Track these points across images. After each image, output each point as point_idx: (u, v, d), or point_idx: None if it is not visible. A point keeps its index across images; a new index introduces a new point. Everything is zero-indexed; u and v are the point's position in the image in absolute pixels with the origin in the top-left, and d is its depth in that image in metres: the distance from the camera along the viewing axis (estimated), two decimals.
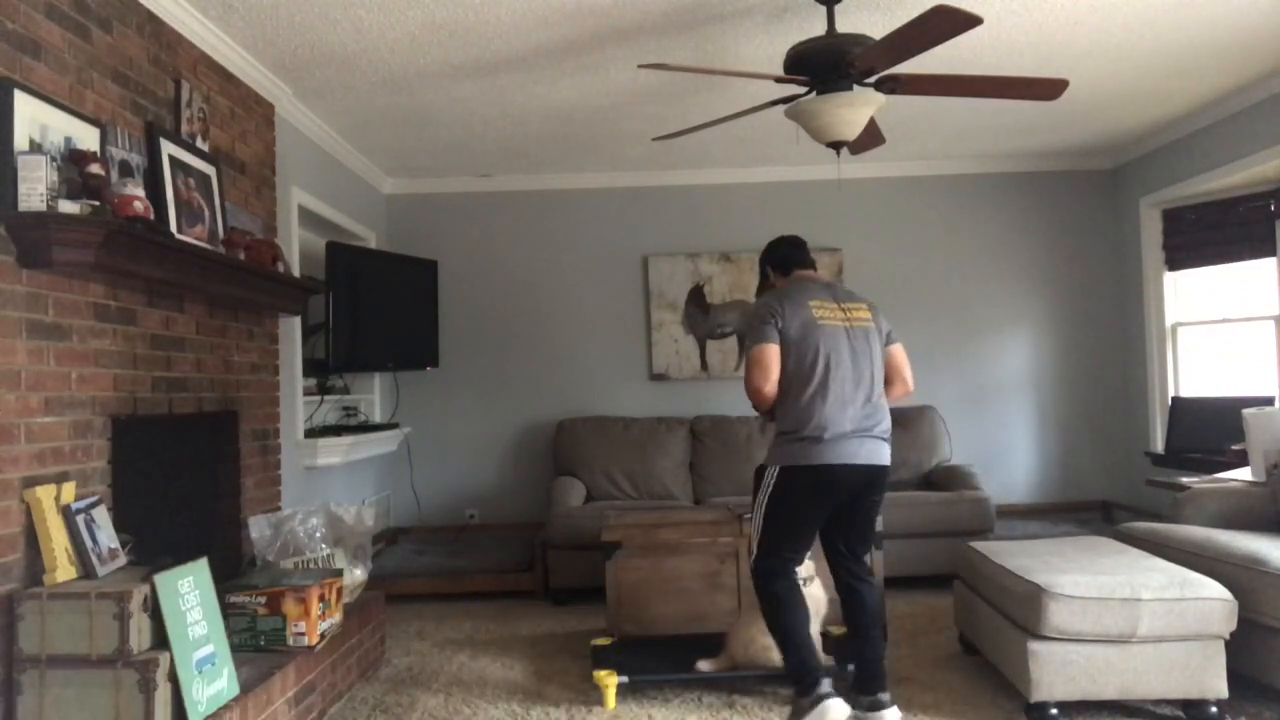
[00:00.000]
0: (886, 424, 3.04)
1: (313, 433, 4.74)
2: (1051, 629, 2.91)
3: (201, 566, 2.70)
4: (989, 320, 6.25)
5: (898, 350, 3.15)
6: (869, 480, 2.99)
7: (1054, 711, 2.94)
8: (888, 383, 3.11)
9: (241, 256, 3.42)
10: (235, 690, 2.64)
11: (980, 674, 3.48)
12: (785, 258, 3.26)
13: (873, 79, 3.31)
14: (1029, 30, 3.85)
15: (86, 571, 2.53)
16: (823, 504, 3.00)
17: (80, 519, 2.55)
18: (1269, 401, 4.95)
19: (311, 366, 4.89)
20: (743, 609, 3.09)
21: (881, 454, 3.00)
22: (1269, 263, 5.10)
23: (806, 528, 3.04)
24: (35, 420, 2.52)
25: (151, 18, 3.21)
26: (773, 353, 2.95)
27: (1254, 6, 3.71)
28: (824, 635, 3.64)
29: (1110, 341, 6.24)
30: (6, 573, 2.40)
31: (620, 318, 6.25)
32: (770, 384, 2.96)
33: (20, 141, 2.46)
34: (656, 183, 6.24)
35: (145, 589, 2.44)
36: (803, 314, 2.99)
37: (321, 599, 3.13)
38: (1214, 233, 5.46)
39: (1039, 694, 2.93)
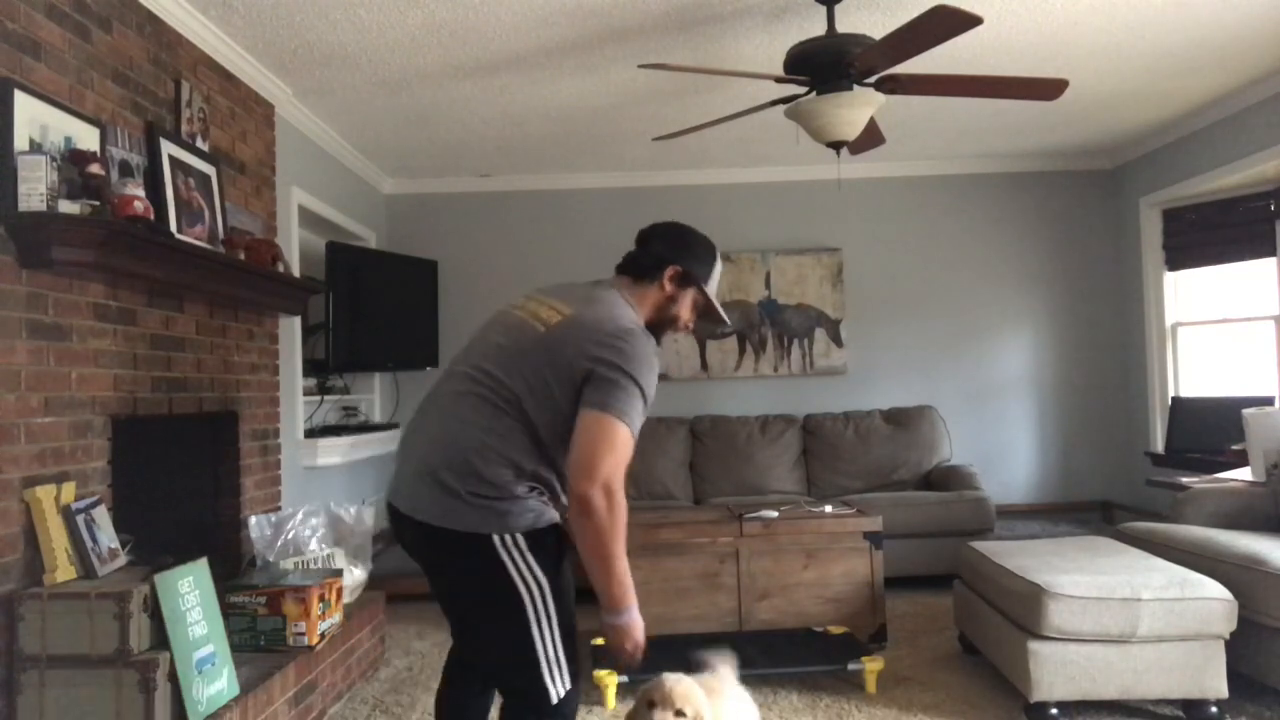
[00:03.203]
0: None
1: (313, 433, 4.74)
2: (1051, 629, 2.91)
3: (201, 566, 2.70)
4: (989, 320, 6.25)
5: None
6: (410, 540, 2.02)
7: (1054, 711, 2.94)
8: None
9: (241, 256, 3.42)
10: (235, 690, 2.64)
11: (980, 674, 3.48)
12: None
13: (873, 79, 3.31)
14: (1029, 30, 3.85)
15: (86, 571, 2.53)
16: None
17: (80, 519, 2.55)
18: (1269, 401, 4.95)
19: (311, 366, 4.89)
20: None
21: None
22: (1269, 263, 5.10)
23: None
24: (35, 420, 2.52)
25: (151, 18, 3.21)
26: None
27: (1254, 6, 3.71)
28: (823, 634, 3.64)
29: (1110, 341, 6.24)
30: (6, 573, 2.40)
31: None
32: None
33: (20, 141, 2.46)
34: (656, 183, 6.24)
35: (145, 589, 2.44)
36: None
37: (321, 599, 3.13)
38: (1214, 233, 5.46)
39: (1039, 694, 2.93)
